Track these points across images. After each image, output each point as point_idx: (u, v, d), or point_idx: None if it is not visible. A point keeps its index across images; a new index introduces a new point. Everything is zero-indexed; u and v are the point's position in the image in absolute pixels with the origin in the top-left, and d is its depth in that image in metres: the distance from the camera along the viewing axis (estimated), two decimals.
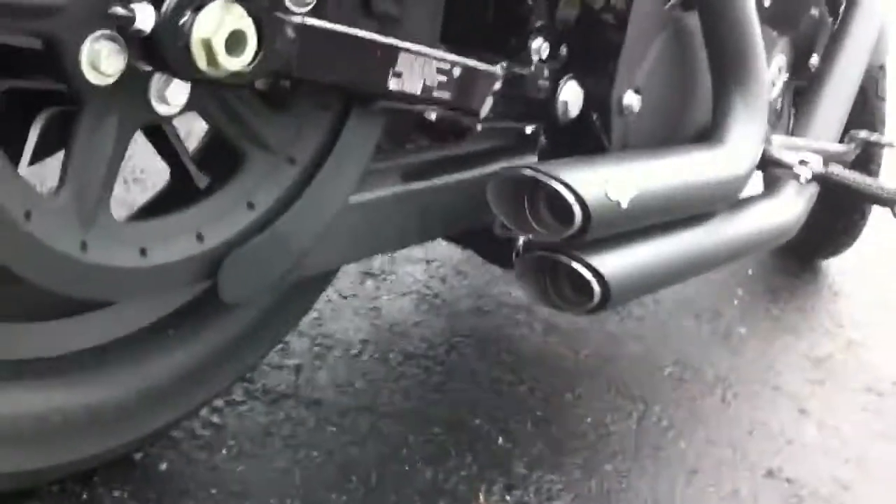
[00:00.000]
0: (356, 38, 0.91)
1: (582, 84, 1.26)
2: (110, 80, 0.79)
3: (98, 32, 0.77)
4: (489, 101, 1.11)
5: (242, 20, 0.78)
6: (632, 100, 1.29)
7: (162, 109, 0.85)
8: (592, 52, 1.26)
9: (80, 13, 0.76)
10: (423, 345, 1.61)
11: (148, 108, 0.84)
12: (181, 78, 0.81)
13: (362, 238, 1.06)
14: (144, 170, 1.78)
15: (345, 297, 1.67)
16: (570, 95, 1.26)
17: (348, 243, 1.04)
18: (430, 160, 1.15)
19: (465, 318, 1.74)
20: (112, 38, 0.78)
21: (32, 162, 0.90)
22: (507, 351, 1.65)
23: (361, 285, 1.73)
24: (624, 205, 1.10)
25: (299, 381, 1.41)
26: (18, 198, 0.78)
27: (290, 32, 0.83)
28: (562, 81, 1.25)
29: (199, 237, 0.92)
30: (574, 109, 1.27)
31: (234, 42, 0.78)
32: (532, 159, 1.26)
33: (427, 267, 1.88)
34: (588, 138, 1.29)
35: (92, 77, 0.78)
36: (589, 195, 1.05)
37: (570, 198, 1.04)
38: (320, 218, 0.99)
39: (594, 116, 1.29)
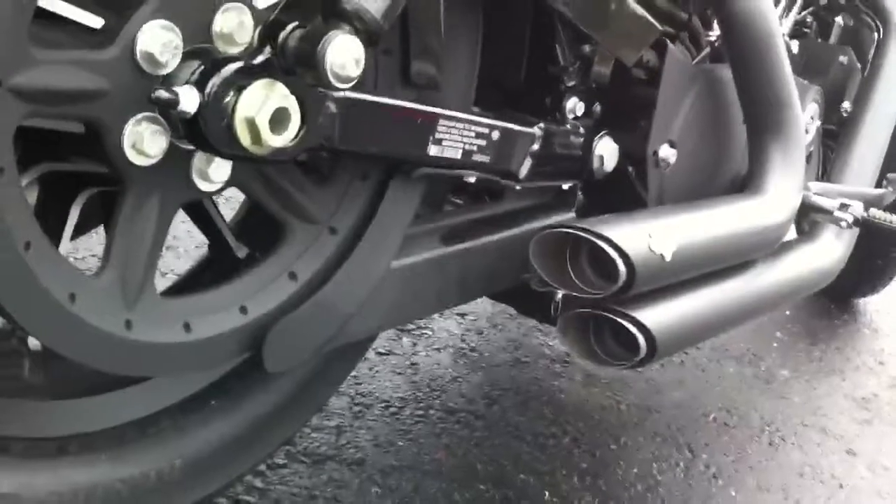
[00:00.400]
0: (397, 108, 0.91)
1: (617, 139, 1.26)
2: (153, 161, 0.79)
3: (140, 115, 0.78)
4: (528, 162, 1.10)
5: (286, 98, 0.78)
6: (667, 153, 1.29)
7: (204, 186, 0.85)
8: (627, 108, 1.26)
9: (124, 97, 0.76)
10: (462, 400, 1.59)
11: (190, 186, 0.84)
12: (225, 157, 0.81)
13: (404, 302, 1.05)
14: (177, 236, 1.79)
15: (382, 355, 1.66)
16: (606, 151, 1.25)
17: (390, 308, 1.03)
18: (468, 221, 1.14)
19: (504, 371, 1.72)
20: (154, 120, 0.78)
21: (72, 238, 0.90)
22: (548, 403, 1.63)
23: (398, 342, 1.72)
24: (667, 258, 1.09)
25: (340, 441, 1.40)
26: (62, 280, 0.78)
27: (332, 107, 0.83)
28: (597, 137, 1.24)
29: (243, 310, 0.91)
30: (610, 164, 1.26)
31: (278, 120, 0.78)
32: (570, 216, 1.25)
33: (462, 321, 1.87)
34: (625, 192, 1.28)
35: (134, 158, 0.79)
36: (632, 250, 1.03)
37: (614, 254, 1.02)
38: (362, 286, 0.98)
39: (630, 170, 1.28)
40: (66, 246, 0.88)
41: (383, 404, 1.53)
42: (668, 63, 1.26)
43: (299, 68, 0.79)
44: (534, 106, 1.18)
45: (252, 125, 0.77)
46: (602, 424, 1.60)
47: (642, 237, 1.07)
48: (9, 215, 0.71)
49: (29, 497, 0.86)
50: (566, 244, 1.08)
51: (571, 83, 1.20)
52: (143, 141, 0.78)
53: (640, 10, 1.17)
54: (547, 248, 1.07)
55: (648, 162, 1.27)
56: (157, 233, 0.84)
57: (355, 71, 0.78)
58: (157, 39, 0.77)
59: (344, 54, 0.77)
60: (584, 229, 1.03)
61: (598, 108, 1.25)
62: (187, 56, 0.79)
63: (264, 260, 0.93)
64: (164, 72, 0.78)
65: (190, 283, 1.04)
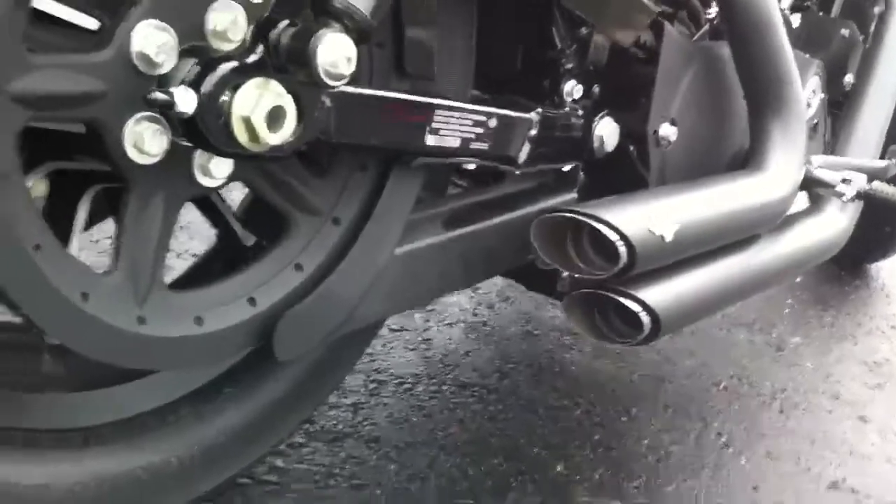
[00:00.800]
0: (392, 100, 0.93)
1: (617, 119, 1.27)
2: (154, 160, 0.81)
3: (140, 115, 0.80)
4: (526, 147, 1.12)
5: (281, 97, 0.80)
6: (668, 131, 1.30)
7: (206, 182, 0.87)
8: (626, 89, 1.27)
9: (121, 98, 0.78)
10: (475, 374, 1.62)
11: (193, 182, 0.87)
12: (223, 155, 0.83)
13: (408, 288, 1.07)
14: (192, 219, 1.81)
15: (395, 331, 1.69)
16: (606, 131, 1.26)
17: (395, 294, 1.06)
18: (470, 205, 1.16)
19: (516, 344, 1.75)
20: (154, 120, 0.80)
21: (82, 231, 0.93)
22: (559, 375, 1.65)
23: (410, 318, 1.74)
24: (668, 238, 1.10)
25: (357, 418, 1.43)
26: (74, 280, 0.80)
27: (327, 102, 0.85)
28: (597, 118, 1.25)
29: (252, 301, 0.94)
30: (610, 145, 1.27)
31: (274, 117, 0.80)
32: (572, 196, 1.26)
33: (473, 295, 1.89)
34: (626, 172, 1.30)
35: (136, 157, 0.81)
36: (632, 233, 1.05)
37: (614, 237, 1.04)
38: (367, 274, 1.00)
39: (631, 150, 1.30)
40: (77, 242, 0.92)
41: (398, 381, 1.56)
42: (665, 42, 1.27)
43: (292, 66, 0.81)
44: (531, 90, 1.20)
45: (248, 124, 0.79)
46: (614, 395, 1.62)
47: (642, 219, 1.09)
48: (16, 219, 0.74)
49: (58, 487, 0.90)
50: (567, 227, 1.10)
51: (569, 66, 1.21)
52: (144, 140, 0.80)
53: None
54: (548, 231, 1.09)
55: (649, 141, 1.29)
56: (163, 229, 0.87)
57: (347, 69, 0.80)
58: (152, 40, 0.79)
59: (335, 53, 0.79)
60: (583, 213, 1.05)
61: (596, 89, 1.26)
62: (183, 54, 0.80)
63: (270, 252, 0.96)
64: (161, 71, 0.80)
65: (200, 273, 1.07)
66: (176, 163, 0.84)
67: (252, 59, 0.81)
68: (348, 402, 1.46)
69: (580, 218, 1.04)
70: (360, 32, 0.81)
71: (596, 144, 1.26)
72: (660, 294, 1.14)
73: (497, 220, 1.17)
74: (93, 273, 0.83)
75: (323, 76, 0.79)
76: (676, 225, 1.13)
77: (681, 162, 1.34)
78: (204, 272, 1.07)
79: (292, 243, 0.97)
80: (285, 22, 0.82)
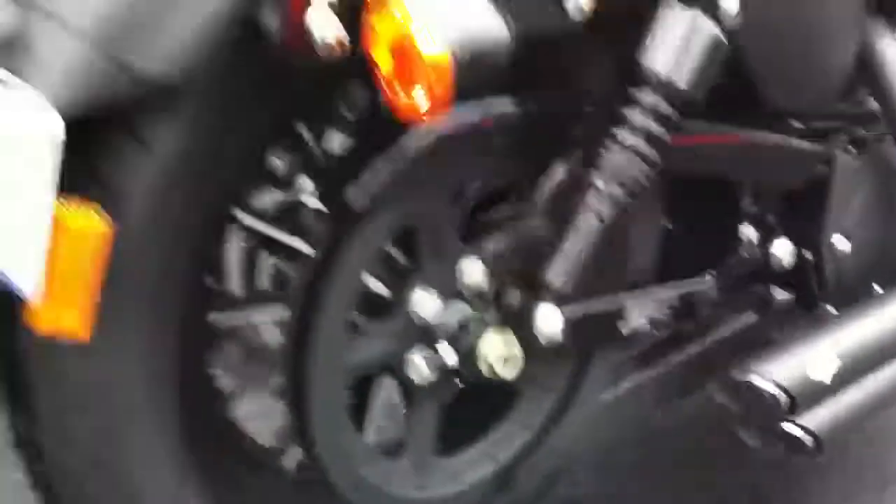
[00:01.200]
0: (594, 313, 1.22)
1: (792, 240, 1.45)
2: (430, 382, 1.16)
3: (417, 351, 1.15)
4: (707, 304, 1.37)
5: (514, 345, 1.12)
6: (842, 243, 1.46)
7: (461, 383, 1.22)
8: (799, 215, 1.45)
9: (405, 346, 1.14)
10: (660, 449, 1.82)
11: (453, 388, 1.20)
12: (471, 382, 1.17)
13: (611, 429, 1.37)
14: None
15: None
16: (781, 251, 1.44)
17: (600, 436, 1.36)
18: (661, 343, 1.43)
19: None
20: (426, 355, 1.15)
21: None
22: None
23: None
24: (827, 381, 1.32)
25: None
26: (380, 473, 1.17)
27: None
28: (771, 241, 1.44)
29: (494, 459, 1.27)
30: (787, 263, 1.45)
31: (508, 359, 1.13)
32: (753, 319, 1.49)
33: None
34: (803, 286, 1.48)
35: (416, 379, 1.15)
36: (791, 384, 1.27)
37: (775, 390, 1.28)
38: (579, 426, 1.32)
39: (807, 264, 1.47)
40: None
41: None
42: (837, 170, 1.44)
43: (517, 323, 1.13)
44: (712, 234, 1.42)
45: (490, 367, 1.13)
46: (793, 465, 1.76)
47: (800, 367, 1.31)
48: (350, 452, 1.12)
49: None
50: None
51: (746, 210, 1.42)
52: (422, 370, 1.15)
53: (800, 145, 1.37)
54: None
55: (824, 256, 1.45)
56: (435, 420, 1.21)
57: (558, 335, 1.11)
58: (427, 306, 1.13)
59: (547, 324, 1.10)
60: (745, 372, 1.29)
61: (770, 219, 1.46)
62: (446, 305, 1.14)
63: (506, 418, 1.29)
64: (432, 325, 1.14)
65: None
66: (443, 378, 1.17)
67: (492, 315, 1.14)
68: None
69: (744, 380, 1.29)
70: (565, 299, 1.11)
71: (774, 266, 1.45)
72: (822, 416, 1.37)
73: (685, 352, 1.43)
74: (391, 462, 1.20)
75: (540, 340, 1.10)
76: (835, 365, 1.34)
77: (856, 270, 1.48)
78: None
79: (521, 411, 1.29)
80: (513, 288, 1.13)
